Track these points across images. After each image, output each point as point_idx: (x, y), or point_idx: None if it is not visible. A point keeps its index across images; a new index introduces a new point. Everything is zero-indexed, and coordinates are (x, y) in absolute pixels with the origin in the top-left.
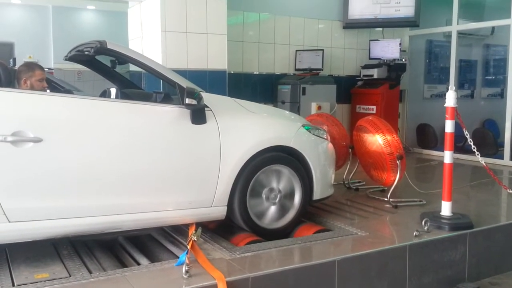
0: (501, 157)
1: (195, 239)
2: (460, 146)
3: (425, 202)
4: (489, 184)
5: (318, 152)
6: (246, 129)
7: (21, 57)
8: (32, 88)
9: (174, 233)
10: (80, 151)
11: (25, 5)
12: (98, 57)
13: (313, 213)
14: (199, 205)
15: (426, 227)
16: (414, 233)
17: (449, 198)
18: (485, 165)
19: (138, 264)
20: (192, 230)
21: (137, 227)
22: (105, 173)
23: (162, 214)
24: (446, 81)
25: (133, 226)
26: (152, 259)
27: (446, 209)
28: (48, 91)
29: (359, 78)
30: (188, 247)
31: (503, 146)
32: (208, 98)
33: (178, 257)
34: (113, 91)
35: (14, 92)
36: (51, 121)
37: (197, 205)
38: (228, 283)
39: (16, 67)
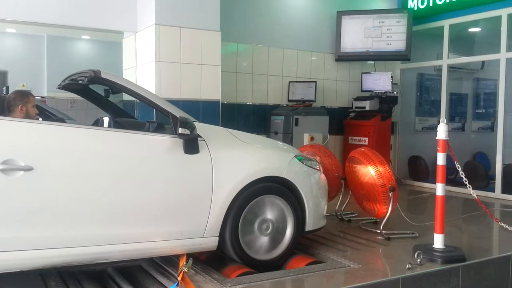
0: (492, 190)
1: (186, 270)
2: (451, 179)
3: (417, 235)
4: (480, 216)
5: (310, 183)
6: (238, 159)
7: (15, 85)
8: (27, 114)
9: (165, 264)
10: (70, 180)
11: (19, 34)
12: (91, 86)
13: (305, 244)
14: (190, 236)
15: (418, 260)
16: (407, 266)
17: (441, 230)
18: (476, 197)
19: None
20: (183, 261)
21: (126, 258)
22: (95, 203)
23: (152, 244)
24: (437, 113)
25: (121, 256)
26: None
27: (438, 241)
28: (40, 119)
29: (351, 110)
30: (179, 278)
31: (494, 178)
32: (201, 128)
33: None
34: (106, 120)
35: (5, 120)
36: (42, 149)
37: (188, 236)
38: None
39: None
